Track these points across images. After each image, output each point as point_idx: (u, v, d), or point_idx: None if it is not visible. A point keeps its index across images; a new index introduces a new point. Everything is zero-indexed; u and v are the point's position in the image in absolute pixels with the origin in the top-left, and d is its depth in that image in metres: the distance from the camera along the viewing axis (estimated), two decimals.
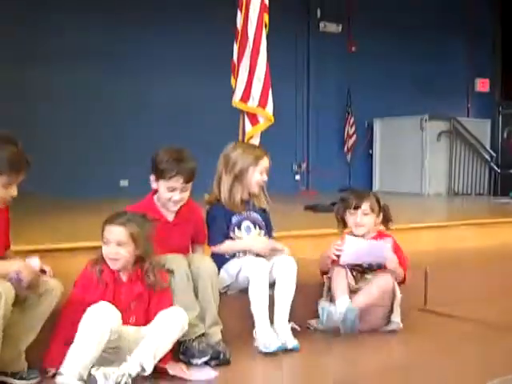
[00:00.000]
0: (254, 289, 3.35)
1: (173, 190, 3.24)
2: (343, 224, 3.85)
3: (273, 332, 3.33)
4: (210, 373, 3.00)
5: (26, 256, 2.93)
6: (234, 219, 3.58)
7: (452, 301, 4.33)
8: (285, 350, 3.29)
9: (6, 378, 2.74)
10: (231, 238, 3.57)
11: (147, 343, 2.82)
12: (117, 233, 2.94)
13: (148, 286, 2.99)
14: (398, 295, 3.69)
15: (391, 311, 3.69)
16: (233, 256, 3.56)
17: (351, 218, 3.78)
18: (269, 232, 3.73)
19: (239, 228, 3.59)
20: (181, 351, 3.08)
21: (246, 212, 3.61)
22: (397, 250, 3.80)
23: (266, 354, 3.24)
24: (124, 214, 3.03)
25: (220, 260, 3.50)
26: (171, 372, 2.88)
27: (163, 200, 3.30)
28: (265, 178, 3.64)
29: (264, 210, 3.71)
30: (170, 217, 3.37)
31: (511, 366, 3.45)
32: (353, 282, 3.65)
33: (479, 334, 3.85)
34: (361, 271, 3.73)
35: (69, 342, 2.76)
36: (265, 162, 3.63)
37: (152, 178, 3.30)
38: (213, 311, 3.22)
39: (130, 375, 2.71)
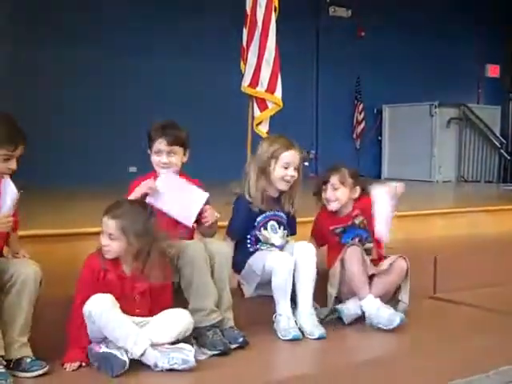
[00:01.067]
0: (279, 276, 3.32)
1: (159, 152, 3.31)
2: (321, 200, 3.78)
3: (293, 320, 3.32)
4: None
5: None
6: (260, 218, 3.50)
7: (462, 288, 4.32)
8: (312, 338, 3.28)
9: (10, 370, 2.72)
10: (257, 238, 3.51)
11: (146, 331, 2.86)
12: (109, 225, 2.94)
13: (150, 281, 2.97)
14: (408, 275, 3.65)
15: (399, 289, 3.65)
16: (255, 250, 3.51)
17: (323, 193, 3.73)
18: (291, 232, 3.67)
19: (265, 228, 3.52)
20: (194, 335, 3.07)
21: (274, 211, 3.53)
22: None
23: (286, 341, 3.24)
24: (122, 204, 3.00)
25: (243, 253, 3.48)
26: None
27: (154, 166, 3.35)
28: (291, 173, 3.46)
29: (289, 213, 3.61)
30: None
31: None
32: (370, 269, 3.58)
33: (488, 321, 3.82)
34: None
35: (81, 345, 2.85)
36: (287, 156, 3.46)
37: (149, 151, 3.39)
38: (228, 295, 3.22)
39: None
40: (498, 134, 10.71)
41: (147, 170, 3.42)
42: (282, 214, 3.56)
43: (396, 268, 3.61)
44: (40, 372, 2.73)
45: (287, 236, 3.61)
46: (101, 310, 2.79)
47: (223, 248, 3.30)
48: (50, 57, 7.75)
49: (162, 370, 2.79)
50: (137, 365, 2.81)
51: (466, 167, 10.32)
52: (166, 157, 3.31)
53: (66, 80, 7.81)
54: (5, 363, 2.69)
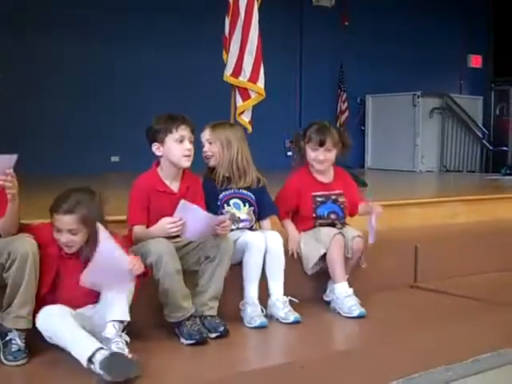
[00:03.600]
0: (251, 257, 3.38)
1: (183, 139, 3.25)
2: (302, 159, 3.80)
3: (259, 307, 3.36)
4: None
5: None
6: (221, 196, 3.56)
7: (442, 277, 4.35)
8: (286, 323, 3.36)
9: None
10: (222, 214, 3.51)
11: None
12: (67, 221, 2.85)
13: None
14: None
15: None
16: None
17: (313, 153, 3.73)
18: (265, 210, 3.68)
19: (228, 204, 3.57)
20: (174, 324, 3.11)
21: (234, 189, 3.58)
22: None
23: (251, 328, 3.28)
24: (70, 195, 2.89)
25: None
26: None
27: (176, 157, 3.26)
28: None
29: (257, 188, 3.64)
30: (175, 188, 3.35)
31: (496, 341, 3.51)
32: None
33: (469, 309, 3.85)
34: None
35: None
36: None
37: (155, 146, 3.29)
38: (217, 285, 3.22)
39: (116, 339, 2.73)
40: (480, 125, 10.79)
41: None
42: (245, 192, 3.60)
43: (356, 250, 3.68)
44: (18, 363, 2.73)
45: (255, 215, 3.63)
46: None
47: (229, 240, 3.29)
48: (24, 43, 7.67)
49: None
50: None
51: (449, 157, 10.38)
52: (190, 143, 3.27)
53: (40, 67, 7.74)
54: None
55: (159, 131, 3.27)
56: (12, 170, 2.76)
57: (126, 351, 2.69)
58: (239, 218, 3.57)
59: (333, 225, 3.76)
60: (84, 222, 2.85)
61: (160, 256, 3.05)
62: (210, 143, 3.59)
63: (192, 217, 3.17)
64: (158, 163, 3.35)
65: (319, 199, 3.77)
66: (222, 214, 3.48)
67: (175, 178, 3.35)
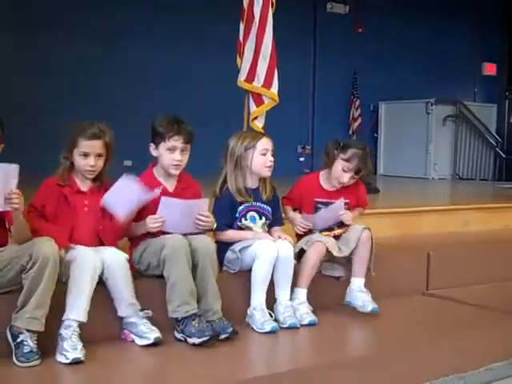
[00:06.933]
0: (260, 266, 3.37)
1: (173, 150, 3.32)
2: (325, 164, 3.82)
3: (267, 313, 3.36)
4: None
5: None
6: (241, 208, 3.56)
7: (454, 285, 4.33)
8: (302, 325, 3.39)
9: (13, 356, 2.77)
10: (239, 228, 3.56)
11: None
12: (97, 146, 3.12)
13: None
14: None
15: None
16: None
17: (340, 172, 3.74)
18: (277, 221, 3.71)
19: (246, 218, 3.57)
20: (180, 329, 3.09)
21: (254, 202, 3.58)
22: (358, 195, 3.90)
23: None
24: (93, 124, 3.17)
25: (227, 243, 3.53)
26: None
27: (165, 164, 3.35)
28: (270, 158, 3.57)
29: (272, 200, 3.67)
30: (171, 187, 3.40)
31: (509, 350, 3.49)
32: (336, 252, 3.67)
33: (480, 318, 3.82)
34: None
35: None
36: (263, 143, 3.57)
37: (152, 146, 3.38)
38: (213, 287, 3.22)
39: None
40: (493, 133, 10.73)
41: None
42: (262, 205, 3.61)
43: (365, 241, 3.70)
44: (35, 363, 2.74)
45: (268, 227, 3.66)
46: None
47: (206, 242, 3.29)
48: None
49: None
50: None
51: (462, 165, 10.33)
52: (180, 154, 3.33)
53: (53, 69, 7.77)
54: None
55: (156, 134, 3.35)
56: (15, 187, 2.76)
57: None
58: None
59: (330, 229, 3.78)
60: (107, 148, 3.16)
61: (174, 250, 3.09)
62: (272, 155, 3.61)
63: (175, 211, 3.24)
64: (155, 164, 3.42)
65: (320, 205, 3.80)
66: (238, 226, 3.53)
67: (170, 179, 3.41)
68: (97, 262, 2.99)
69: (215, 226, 3.45)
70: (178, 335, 3.12)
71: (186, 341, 3.07)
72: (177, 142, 3.30)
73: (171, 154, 3.31)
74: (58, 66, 7.84)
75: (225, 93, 6.90)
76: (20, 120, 7.21)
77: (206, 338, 3.01)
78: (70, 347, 2.79)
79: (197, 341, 3.02)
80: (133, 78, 8.27)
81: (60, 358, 2.79)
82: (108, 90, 8.11)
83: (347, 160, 3.71)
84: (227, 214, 3.53)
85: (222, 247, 3.52)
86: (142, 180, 3.30)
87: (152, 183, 3.32)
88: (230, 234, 3.53)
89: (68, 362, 2.76)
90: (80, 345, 2.81)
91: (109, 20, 8.11)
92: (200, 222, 3.30)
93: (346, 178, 3.74)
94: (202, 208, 3.30)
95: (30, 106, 7.57)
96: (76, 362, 2.76)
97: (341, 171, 3.74)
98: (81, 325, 2.88)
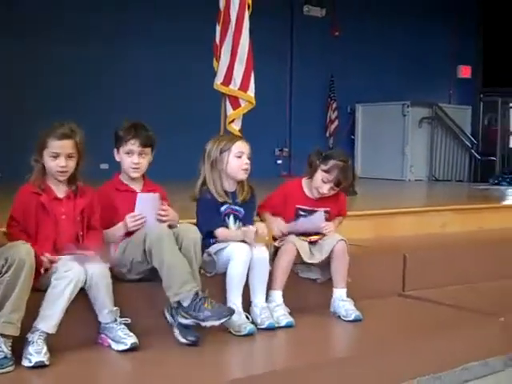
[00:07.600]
0: (235, 267, 3.37)
1: (131, 153, 3.37)
2: (312, 174, 3.81)
3: (243, 315, 3.35)
4: None
5: None
6: (223, 208, 3.56)
7: (430, 286, 4.36)
8: (279, 327, 3.38)
9: None
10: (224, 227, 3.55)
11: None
12: (68, 146, 3.06)
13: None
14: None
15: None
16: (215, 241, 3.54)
17: (321, 182, 3.74)
18: (248, 221, 3.67)
19: (228, 217, 3.57)
20: (191, 315, 3.05)
21: (231, 204, 3.59)
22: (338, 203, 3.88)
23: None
24: (64, 124, 3.11)
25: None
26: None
27: (125, 167, 3.41)
28: (246, 161, 3.57)
29: (249, 201, 3.67)
30: (137, 189, 3.45)
31: (483, 351, 3.52)
32: (307, 258, 3.67)
33: (456, 319, 3.85)
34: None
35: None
36: (238, 146, 3.57)
37: (115, 151, 3.44)
38: (196, 272, 3.21)
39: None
40: (469, 134, 10.85)
41: (118, 167, 3.44)
42: (237, 208, 3.61)
43: (340, 252, 3.69)
44: (4, 370, 2.70)
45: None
46: None
47: (190, 231, 3.29)
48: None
49: None
50: None
51: (438, 166, 10.43)
52: (137, 158, 3.37)
53: (27, 71, 7.70)
54: None
55: (117, 139, 3.42)
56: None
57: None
58: None
59: (308, 234, 3.76)
60: (78, 148, 3.10)
61: (159, 236, 3.12)
62: (248, 158, 3.60)
63: (149, 206, 3.31)
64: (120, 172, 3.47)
65: (302, 213, 3.80)
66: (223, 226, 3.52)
67: (135, 183, 3.46)
68: (80, 276, 2.93)
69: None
70: (178, 332, 3.10)
71: (198, 325, 3.04)
72: (133, 145, 3.36)
73: (129, 158, 3.38)
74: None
75: (201, 95, 6.89)
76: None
77: (226, 319, 3.04)
78: (35, 351, 2.77)
79: (216, 322, 3.02)
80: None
81: (24, 362, 2.77)
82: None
83: (327, 171, 3.71)
84: (216, 213, 3.53)
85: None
86: (108, 185, 3.40)
87: (117, 185, 3.41)
88: (224, 233, 3.51)
89: (31, 365, 2.75)
90: (44, 348, 2.79)
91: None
92: (162, 213, 3.35)
93: (326, 189, 3.74)
94: (160, 201, 3.38)
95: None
96: (39, 366, 2.74)
97: (321, 182, 3.74)
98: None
